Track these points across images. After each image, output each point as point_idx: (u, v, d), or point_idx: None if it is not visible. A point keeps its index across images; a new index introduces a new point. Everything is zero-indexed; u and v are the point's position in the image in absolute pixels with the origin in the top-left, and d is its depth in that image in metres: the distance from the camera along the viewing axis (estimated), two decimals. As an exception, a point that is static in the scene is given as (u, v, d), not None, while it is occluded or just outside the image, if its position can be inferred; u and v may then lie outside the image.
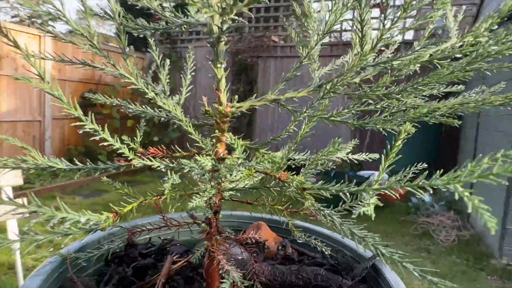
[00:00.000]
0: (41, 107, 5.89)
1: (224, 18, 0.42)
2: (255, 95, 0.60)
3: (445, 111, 0.50)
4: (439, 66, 0.54)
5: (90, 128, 0.50)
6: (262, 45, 7.12)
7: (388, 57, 0.61)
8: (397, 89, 0.52)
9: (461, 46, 0.51)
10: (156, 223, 0.67)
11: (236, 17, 0.42)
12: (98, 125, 0.51)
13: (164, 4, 0.43)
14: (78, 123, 0.50)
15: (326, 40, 6.91)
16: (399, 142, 0.39)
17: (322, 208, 0.50)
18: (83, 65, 0.52)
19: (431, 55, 0.55)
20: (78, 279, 0.58)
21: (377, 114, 0.57)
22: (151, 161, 0.48)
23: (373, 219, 0.38)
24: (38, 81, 0.42)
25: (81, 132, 0.52)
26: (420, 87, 0.51)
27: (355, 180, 1.79)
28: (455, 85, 0.61)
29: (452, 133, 6.02)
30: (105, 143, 0.52)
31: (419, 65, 0.56)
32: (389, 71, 0.53)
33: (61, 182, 5.23)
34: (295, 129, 0.57)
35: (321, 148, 0.53)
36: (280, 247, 0.78)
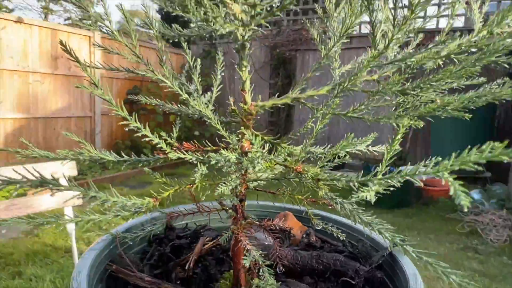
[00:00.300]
0: (91, 103, 6.33)
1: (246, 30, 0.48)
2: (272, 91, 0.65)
3: (457, 105, 0.52)
4: (456, 61, 0.56)
5: (134, 126, 0.59)
6: (300, 38, 7.04)
7: (409, 52, 0.63)
8: (410, 86, 0.54)
9: (475, 40, 0.52)
10: (191, 209, 0.75)
11: (257, 27, 0.48)
12: (142, 120, 0.59)
13: (192, 25, 0.50)
14: (124, 122, 0.58)
15: (365, 31, 6.71)
16: (399, 136, 0.43)
17: (335, 197, 0.54)
18: (127, 72, 0.60)
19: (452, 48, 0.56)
20: (125, 255, 0.68)
21: (393, 109, 0.59)
22: (184, 154, 0.55)
23: (372, 203, 0.42)
24: (92, 87, 0.50)
25: (127, 129, 0.61)
26: (434, 84, 0.53)
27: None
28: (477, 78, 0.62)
29: (505, 129, 5.59)
30: (147, 138, 0.60)
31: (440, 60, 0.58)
32: (403, 69, 0.55)
33: (110, 174, 5.62)
34: (312, 125, 0.62)
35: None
36: (304, 235, 0.83)
